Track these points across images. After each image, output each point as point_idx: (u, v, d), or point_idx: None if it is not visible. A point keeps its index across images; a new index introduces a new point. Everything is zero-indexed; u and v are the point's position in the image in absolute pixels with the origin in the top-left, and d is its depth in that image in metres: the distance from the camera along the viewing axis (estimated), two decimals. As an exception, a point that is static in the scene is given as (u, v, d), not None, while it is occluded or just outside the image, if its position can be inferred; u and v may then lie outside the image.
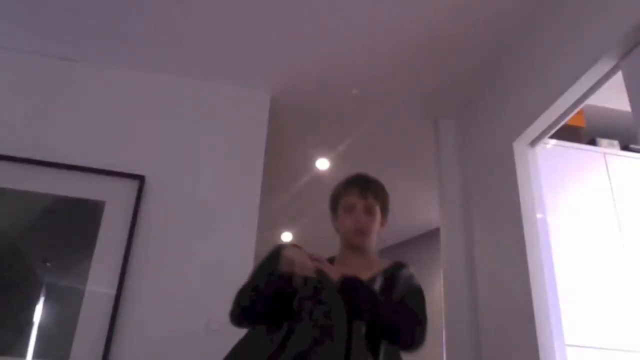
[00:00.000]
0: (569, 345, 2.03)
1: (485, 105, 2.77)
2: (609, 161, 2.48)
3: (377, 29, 2.46)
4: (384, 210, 1.62)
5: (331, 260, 1.54)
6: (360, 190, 1.57)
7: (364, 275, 1.43)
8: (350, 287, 1.35)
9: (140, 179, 2.51)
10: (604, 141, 2.58)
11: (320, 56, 2.66)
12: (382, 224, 1.62)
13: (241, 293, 1.42)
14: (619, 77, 1.90)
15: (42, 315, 2.25)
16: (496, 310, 2.42)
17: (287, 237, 4.76)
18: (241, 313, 1.41)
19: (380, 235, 1.62)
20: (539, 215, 2.26)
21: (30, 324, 2.22)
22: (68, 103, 2.65)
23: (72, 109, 2.65)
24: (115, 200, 2.46)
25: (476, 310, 2.56)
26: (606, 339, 2.08)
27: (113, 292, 2.26)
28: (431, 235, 4.36)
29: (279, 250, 1.44)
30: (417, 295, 1.49)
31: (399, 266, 1.54)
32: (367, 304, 1.34)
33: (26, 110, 2.60)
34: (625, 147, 2.60)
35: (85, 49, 2.68)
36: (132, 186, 2.49)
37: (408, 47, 2.55)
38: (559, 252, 2.20)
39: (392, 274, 1.50)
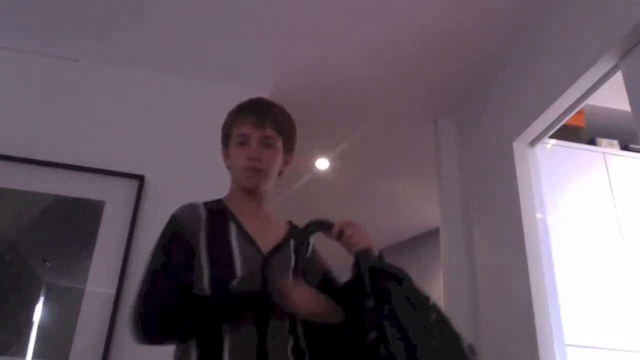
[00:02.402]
0: (569, 346, 2.03)
1: (485, 105, 2.77)
2: (609, 161, 2.48)
3: (377, 29, 2.46)
4: (289, 145, 1.35)
5: (217, 205, 1.29)
6: (256, 119, 1.26)
7: (267, 241, 1.23)
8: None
9: (140, 179, 2.51)
10: (604, 141, 2.58)
11: (320, 56, 2.66)
12: (287, 162, 1.35)
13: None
14: (619, 77, 1.90)
15: (42, 315, 2.25)
16: (496, 310, 2.42)
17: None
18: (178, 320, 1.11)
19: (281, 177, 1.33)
20: (539, 215, 2.26)
21: (30, 324, 2.22)
22: (68, 103, 2.65)
23: (72, 109, 2.64)
24: (115, 200, 2.46)
25: (476, 310, 2.56)
26: (606, 339, 2.08)
27: (113, 292, 2.27)
28: (431, 235, 4.37)
29: (176, 230, 1.19)
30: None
31: (311, 228, 1.25)
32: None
33: (26, 110, 2.60)
34: (625, 147, 2.60)
35: (85, 49, 2.68)
36: (132, 186, 2.49)
37: (408, 47, 2.55)
38: (559, 252, 2.20)
39: (302, 243, 1.29)
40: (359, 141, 3.32)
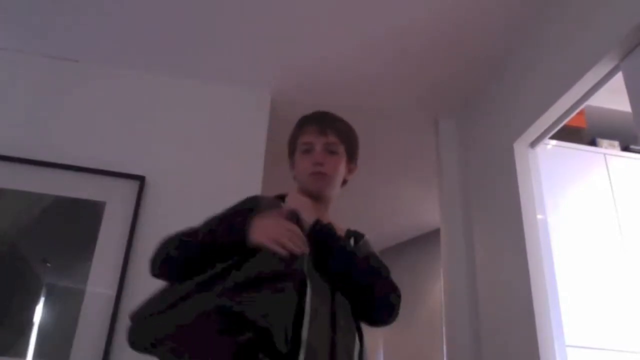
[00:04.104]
0: (569, 346, 2.03)
1: (485, 105, 2.77)
2: (609, 162, 2.48)
3: (377, 29, 2.46)
4: (352, 153, 1.38)
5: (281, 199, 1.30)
6: (319, 127, 1.32)
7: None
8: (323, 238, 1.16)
9: (140, 179, 2.51)
10: (604, 142, 2.58)
11: (321, 56, 2.66)
12: (350, 170, 1.38)
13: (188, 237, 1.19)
14: (619, 77, 1.90)
15: (42, 316, 2.25)
16: (496, 311, 2.42)
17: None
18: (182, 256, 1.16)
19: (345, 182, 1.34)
20: (539, 216, 2.26)
21: (30, 324, 2.22)
22: (68, 103, 2.65)
23: (72, 109, 2.64)
24: (115, 200, 2.46)
25: (476, 311, 2.56)
26: (606, 339, 2.08)
27: (113, 292, 2.26)
28: (431, 236, 4.37)
29: (251, 208, 1.20)
30: (379, 259, 1.26)
31: (358, 233, 1.33)
32: (342, 266, 1.14)
33: (26, 110, 2.60)
34: (625, 148, 2.60)
35: (85, 49, 2.68)
36: (132, 186, 2.49)
37: (408, 47, 2.55)
38: (559, 253, 2.20)
39: (356, 238, 1.32)
40: (359, 141, 3.32)
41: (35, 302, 2.26)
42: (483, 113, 2.79)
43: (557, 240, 2.23)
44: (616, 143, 2.59)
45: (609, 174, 2.44)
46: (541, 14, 2.29)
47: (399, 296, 1.22)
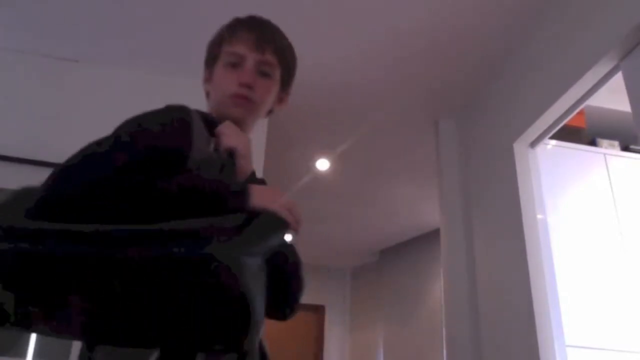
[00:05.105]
0: (569, 346, 2.03)
1: (485, 105, 2.77)
2: (609, 162, 2.48)
3: (377, 30, 2.46)
4: (287, 80, 1.12)
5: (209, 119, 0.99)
6: (256, 38, 1.04)
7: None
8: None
9: (141, 179, 2.51)
10: (604, 142, 2.58)
11: (320, 57, 2.66)
12: (280, 100, 1.12)
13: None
14: (619, 77, 1.90)
15: (42, 316, 2.25)
16: (496, 311, 2.42)
17: (287, 237, 4.76)
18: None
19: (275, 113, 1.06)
20: (539, 216, 2.26)
21: (30, 324, 2.22)
22: (68, 103, 2.65)
23: (72, 108, 2.65)
24: (116, 200, 2.46)
25: (476, 311, 2.56)
26: (606, 339, 2.08)
27: (113, 292, 2.26)
28: (431, 236, 4.37)
29: (184, 119, 0.89)
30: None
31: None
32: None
33: (26, 110, 2.60)
34: (625, 148, 2.60)
35: (85, 49, 2.68)
36: (132, 186, 2.49)
37: (408, 48, 2.56)
38: (559, 253, 2.20)
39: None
40: (359, 142, 3.33)
41: (35, 302, 2.25)
42: (483, 113, 2.79)
43: (557, 240, 2.23)
44: (616, 143, 2.59)
45: (608, 174, 2.44)
46: (541, 14, 2.29)
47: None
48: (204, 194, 0.76)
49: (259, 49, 1.03)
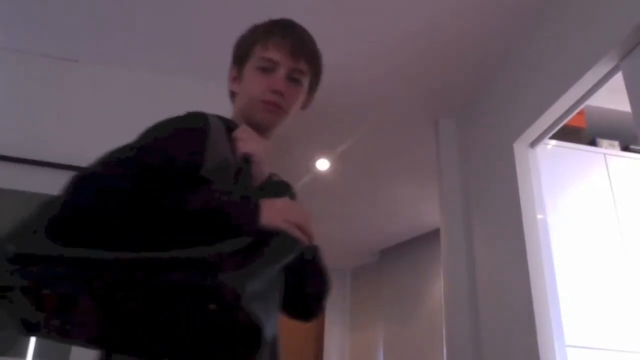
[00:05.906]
0: (569, 346, 2.03)
1: (485, 105, 2.77)
2: (609, 162, 2.48)
3: (377, 30, 2.46)
4: (314, 86, 1.12)
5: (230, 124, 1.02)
6: (292, 46, 1.04)
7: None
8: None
9: (141, 179, 2.51)
10: (604, 142, 2.58)
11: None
12: (305, 105, 1.13)
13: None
14: (619, 77, 1.90)
15: (42, 316, 2.25)
16: (496, 311, 2.42)
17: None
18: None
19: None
20: (539, 216, 2.26)
21: (30, 324, 2.21)
22: (68, 103, 2.65)
23: (71, 108, 2.65)
24: (116, 200, 2.46)
25: (476, 311, 2.56)
26: (606, 339, 2.08)
27: (113, 292, 2.26)
28: (431, 236, 4.37)
29: (202, 128, 0.93)
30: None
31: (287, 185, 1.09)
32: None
33: (26, 110, 2.60)
34: (625, 148, 2.60)
35: (85, 49, 2.68)
36: (132, 186, 2.49)
37: (408, 47, 2.56)
38: (559, 253, 2.20)
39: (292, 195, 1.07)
40: (359, 142, 3.33)
41: (35, 302, 2.25)
42: (483, 113, 2.79)
43: (557, 240, 2.23)
44: (616, 143, 2.59)
45: (608, 174, 2.44)
46: (541, 14, 2.29)
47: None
48: (214, 216, 0.78)
49: (293, 57, 1.03)
